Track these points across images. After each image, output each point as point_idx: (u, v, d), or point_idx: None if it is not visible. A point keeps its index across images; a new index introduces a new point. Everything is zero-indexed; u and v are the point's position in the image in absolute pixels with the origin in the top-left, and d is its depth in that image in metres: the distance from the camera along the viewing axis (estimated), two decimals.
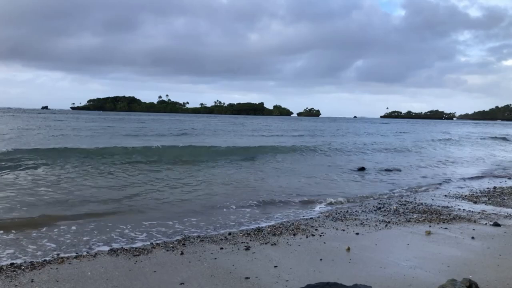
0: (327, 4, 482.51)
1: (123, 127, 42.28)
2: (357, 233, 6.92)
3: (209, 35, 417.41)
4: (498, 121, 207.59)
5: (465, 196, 10.84)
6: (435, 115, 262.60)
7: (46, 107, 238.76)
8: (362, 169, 15.82)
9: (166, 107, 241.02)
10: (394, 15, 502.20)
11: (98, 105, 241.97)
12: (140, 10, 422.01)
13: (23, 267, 5.06)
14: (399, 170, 16.06)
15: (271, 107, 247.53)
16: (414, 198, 10.43)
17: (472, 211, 8.79)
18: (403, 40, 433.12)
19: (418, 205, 9.40)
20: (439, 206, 9.27)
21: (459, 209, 9.05)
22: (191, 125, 56.27)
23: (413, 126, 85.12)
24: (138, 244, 6.16)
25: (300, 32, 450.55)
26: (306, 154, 20.51)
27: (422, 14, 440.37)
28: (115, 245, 6.09)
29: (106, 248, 5.94)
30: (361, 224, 7.57)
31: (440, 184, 13.02)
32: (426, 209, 8.90)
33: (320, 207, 9.22)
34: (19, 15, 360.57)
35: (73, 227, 6.97)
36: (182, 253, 5.71)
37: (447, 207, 9.24)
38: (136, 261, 5.36)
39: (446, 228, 7.35)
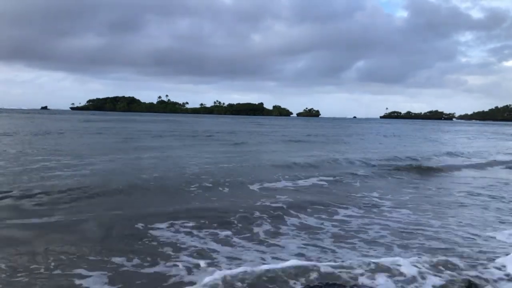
0: (331, 6, 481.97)
1: None
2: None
3: (212, 36, 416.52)
4: (495, 122, 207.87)
5: None
6: (435, 115, 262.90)
7: (45, 107, 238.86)
8: None
9: (166, 107, 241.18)
10: (396, 16, 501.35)
11: (98, 105, 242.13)
12: (143, 11, 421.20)
13: None
14: None
15: (270, 107, 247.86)
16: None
17: None
18: (405, 41, 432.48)
19: None
20: None
21: None
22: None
23: (433, 127, 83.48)
24: None
25: (302, 33, 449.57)
26: None
27: (424, 15, 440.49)
28: None
29: None
30: None
31: None
32: None
33: None
34: (23, 16, 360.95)
35: None
36: None
37: None
38: None
39: None
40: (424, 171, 14.96)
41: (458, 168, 16.47)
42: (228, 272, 4.97)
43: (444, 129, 71.52)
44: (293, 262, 5.20)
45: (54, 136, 26.34)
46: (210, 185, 10.55)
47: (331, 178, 12.45)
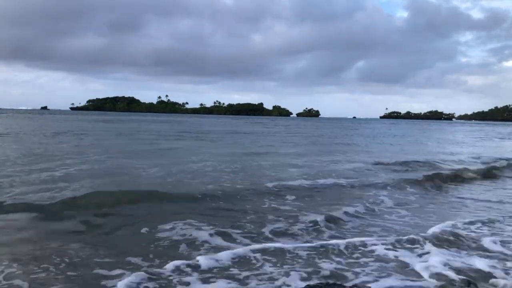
0: (331, 6, 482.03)
1: None
2: None
3: (212, 36, 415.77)
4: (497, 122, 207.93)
5: None
6: (434, 115, 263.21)
7: (45, 108, 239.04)
8: None
9: (166, 107, 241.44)
10: (396, 16, 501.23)
11: (98, 105, 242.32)
12: (143, 11, 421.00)
13: None
14: None
15: (270, 108, 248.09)
16: None
17: None
18: (405, 41, 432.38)
19: None
20: None
21: None
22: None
23: (438, 127, 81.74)
24: None
25: (303, 33, 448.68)
26: None
27: (425, 15, 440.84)
28: None
29: None
30: None
31: None
32: None
33: None
34: (23, 16, 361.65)
35: None
36: None
37: None
38: None
39: None
40: (458, 178, 13.88)
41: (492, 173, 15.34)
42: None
43: (450, 130, 71.07)
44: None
45: (65, 137, 26.21)
46: (228, 185, 10.84)
47: (351, 181, 12.31)
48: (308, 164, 16.26)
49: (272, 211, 8.53)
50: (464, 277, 4.78)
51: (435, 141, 35.56)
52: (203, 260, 5.41)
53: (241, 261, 5.55)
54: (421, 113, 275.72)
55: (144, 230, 6.93)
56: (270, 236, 6.89)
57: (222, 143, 25.82)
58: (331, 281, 4.70)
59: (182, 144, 24.16)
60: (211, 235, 6.70)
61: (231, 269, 5.29)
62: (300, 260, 5.63)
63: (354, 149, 24.54)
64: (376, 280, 5.01)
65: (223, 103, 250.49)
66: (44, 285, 4.69)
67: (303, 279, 5.01)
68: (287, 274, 5.13)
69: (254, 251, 5.86)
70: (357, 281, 4.97)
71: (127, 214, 7.93)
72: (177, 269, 5.14)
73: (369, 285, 4.72)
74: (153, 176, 12.04)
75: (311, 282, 4.70)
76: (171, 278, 4.92)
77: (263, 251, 5.89)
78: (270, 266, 5.41)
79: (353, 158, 18.87)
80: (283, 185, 11.13)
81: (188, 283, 4.80)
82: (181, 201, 9.15)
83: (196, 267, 5.24)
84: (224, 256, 5.62)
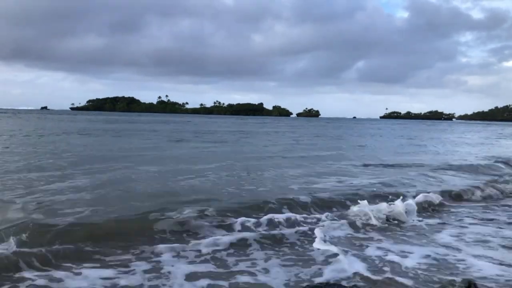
0: (331, 6, 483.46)
1: None
2: None
3: (213, 36, 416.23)
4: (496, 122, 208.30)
5: None
6: (434, 115, 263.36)
7: (45, 108, 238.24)
8: None
9: (166, 107, 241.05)
10: (396, 16, 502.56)
11: (98, 105, 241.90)
12: (144, 11, 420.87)
13: None
14: None
15: (270, 108, 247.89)
16: None
17: None
18: (405, 41, 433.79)
19: None
20: None
21: None
22: None
23: (445, 128, 78.41)
24: None
25: (303, 33, 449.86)
26: None
27: (425, 15, 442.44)
28: None
29: None
30: None
31: None
32: None
33: None
34: (23, 16, 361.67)
35: None
36: None
37: None
38: None
39: None
40: None
41: None
42: None
43: (458, 129, 70.63)
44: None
45: (80, 137, 25.73)
46: (252, 187, 10.26)
47: None
48: (328, 168, 14.65)
49: (285, 211, 8.18)
50: (464, 278, 4.63)
51: (462, 143, 33.75)
52: (194, 246, 5.79)
53: (234, 248, 5.87)
54: (421, 113, 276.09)
55: (145, 225, 6.88)
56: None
57: (236, 145, 24.41)
58: (331, 281, 4.64)
59: (196, 146, 23.10)
60: (211, 227, 6.83)
61: (221, 253, 5.63)
62: (293, 255, 5.77)
63: (388, 152, 22.43)
64: None
65: (223, 103, 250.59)
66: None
67: (284, 265, 5.33)
68: (269, 259, 5.51)
69: (250, 238, 6.21)
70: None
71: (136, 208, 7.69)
72: (168, 252, 5.52)
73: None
74: (170, 180, 10.98)
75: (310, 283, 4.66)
76: (159, 261, 5.29)
77: (261, 237, 6.26)
78: (260, 252, 5.76)
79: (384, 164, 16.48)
80: (308, 189, 10.23)
81: (171, 265, 5.13)
82: (193, 200, 8.53)
83: (185, 252, 5.59)
84: (218, 242, 5.96)
